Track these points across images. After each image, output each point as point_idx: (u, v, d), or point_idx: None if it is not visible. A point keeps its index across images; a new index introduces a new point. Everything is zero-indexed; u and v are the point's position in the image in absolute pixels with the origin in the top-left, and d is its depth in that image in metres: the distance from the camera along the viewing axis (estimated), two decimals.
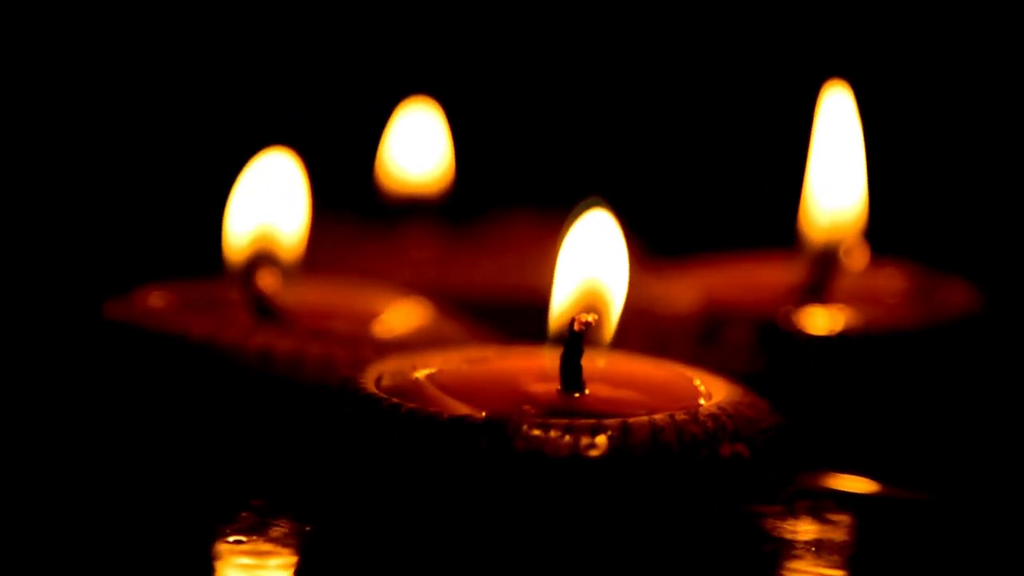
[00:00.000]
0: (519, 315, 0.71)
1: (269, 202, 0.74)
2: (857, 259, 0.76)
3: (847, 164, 0.77)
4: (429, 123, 0.98)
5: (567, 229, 0.61)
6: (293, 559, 0.57)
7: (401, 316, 0.73)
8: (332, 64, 1.15)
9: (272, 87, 1.13)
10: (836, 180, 0.77)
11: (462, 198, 0.96)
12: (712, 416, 0.55)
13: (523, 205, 0.96)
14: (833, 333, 0.70)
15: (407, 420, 0.55)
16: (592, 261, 0.61)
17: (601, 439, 0.53)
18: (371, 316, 0.73)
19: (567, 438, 0.53)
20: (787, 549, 0.58)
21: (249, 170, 0.74)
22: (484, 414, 0.55)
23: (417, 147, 0.97)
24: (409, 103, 0.98)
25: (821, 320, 0.70)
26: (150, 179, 1.09)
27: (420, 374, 0.60)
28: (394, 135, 0.97)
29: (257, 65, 1.13)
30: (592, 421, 0.54)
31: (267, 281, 0.71)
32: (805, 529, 0.60)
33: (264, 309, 0.70)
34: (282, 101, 1.13)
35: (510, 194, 1.00)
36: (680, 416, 0.55)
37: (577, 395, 0.58)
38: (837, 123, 0.78)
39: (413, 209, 0.95)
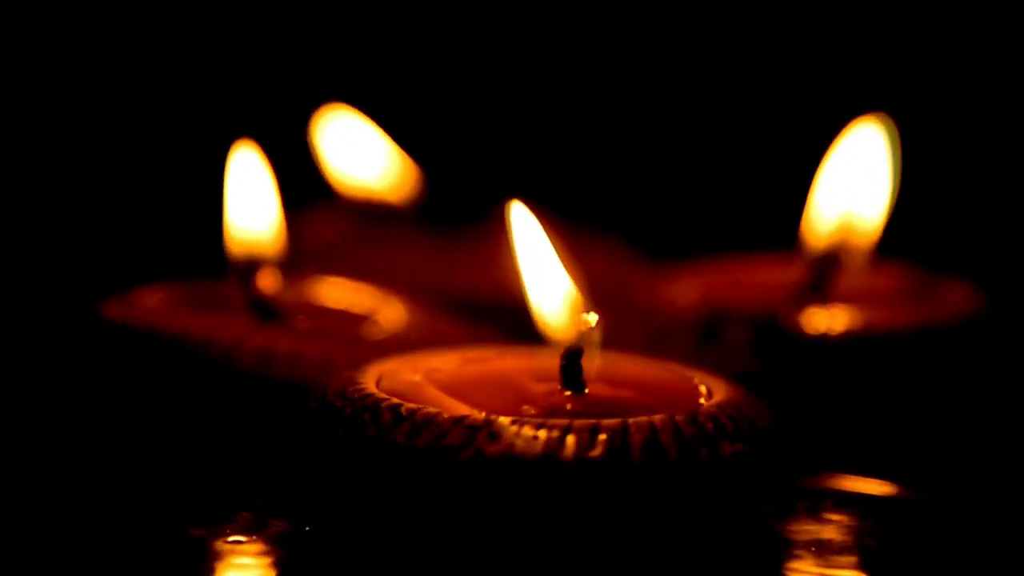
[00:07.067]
0: (519, 315, 0.71)
1: (250, 205, 0.73)
2: (858, 259, 0.76)
3: (872, 181, 0.77)
4: (358, 129, 0.97)
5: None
6: (292, 559, 0.57)
7: (399, 316, 0.73)
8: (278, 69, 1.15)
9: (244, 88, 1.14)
10: (854, 189, 0.77)
11: (452, 203, 0.96)
12: (712, 416, 0.55)
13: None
14: (833, 333, 0.70)
15: (407, 420, 0.55)
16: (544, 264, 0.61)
17: (601, 439, 0.53)
18: (370, 316, 0.73)
19: (567, 438, 0.53)
20: (787, 549, 0.58)
21: (230, 174, 0.74)
22: (484, 414, 0.55)
23: (356, 154, 0.96)
24: (330, 109, 0.97)
25: (821, 320, 0.70)
26: (148, 179, 1.09)
27: (420, 374, 0.60)
28: (326, 144, 0.96)
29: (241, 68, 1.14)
30: (592, 421, 0.54)
31: (266, 282, 0.71)
32: (805, 529, 0.60)
33: (264, 309, 0.70)
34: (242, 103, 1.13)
35: (505, 199, 1.00)
36: (680, 416, 0.55)
37: (577, 395, 0.58)
38: (865, 148, 0.78)
39: (387, 215, 0.95)
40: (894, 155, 0.78)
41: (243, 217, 0.73)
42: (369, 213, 0.95)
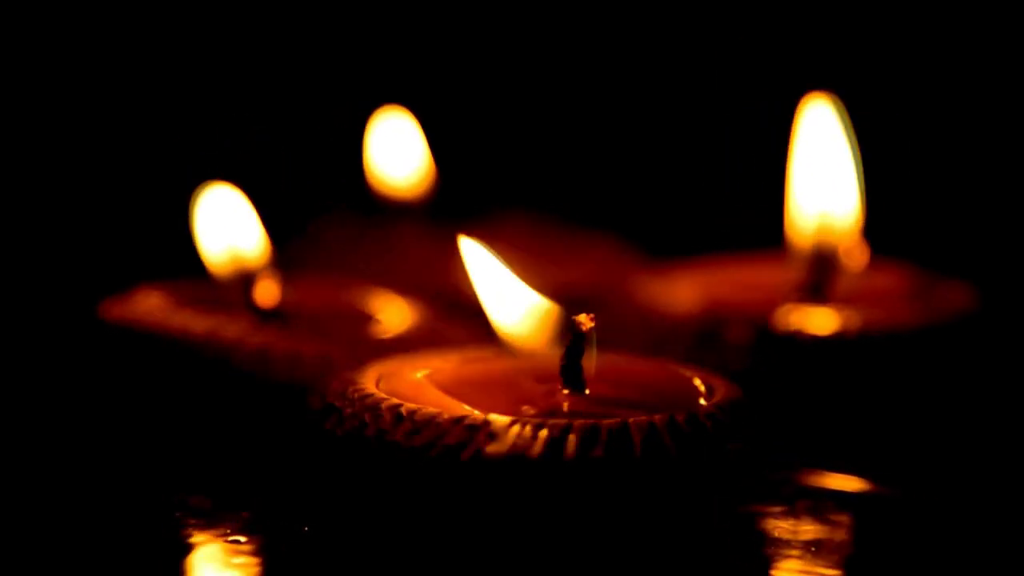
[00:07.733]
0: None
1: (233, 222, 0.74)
2: (856, 259, 0.76)
3: (837, 171, 0.77)
4: (406, 129, 0.97)
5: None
6: (292, 559, 0.57)
7: (400, 316, 0.73)
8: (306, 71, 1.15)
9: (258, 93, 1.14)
10: (824, 186, 0.77)
11: (455, 201, 0.96)
12: (712, 415, 0.55)
13: (520, 208, 0.96)
14: (832, 333, 0.70)
15: (407, 420, 0.55)
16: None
17: (601, 439, 0.53)
18: (370, 316, 0.73)
19: (567, 438, 0.53)
20: (787, 549, 0.58)
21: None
22: (484, 414, 0.55)
23: (396, 152, 0.96)
24: (384, 111, 0.97)
25: (821, 320, 0.70)
26: (148, 179, 1.09)
27: (420, 374, 0.60)
28: (373, 141, 0.97)
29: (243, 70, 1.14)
30: (592, 421, 0.54)
31: (263, 292, 0.71)
32: (805, 529, 0.60)
33: (263, 312, 0.70)
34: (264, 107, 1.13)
35: (505, 198, 1.00)
36: (680, 416, 0.55)
37: (577, 395, 0.58)
38: (820, 131, 0.78)
39: (404, 211, 0.95)
40: (848, 135, 0.77)
41: (219, 246, 0.73)
42: (389, 212, 0.95)
